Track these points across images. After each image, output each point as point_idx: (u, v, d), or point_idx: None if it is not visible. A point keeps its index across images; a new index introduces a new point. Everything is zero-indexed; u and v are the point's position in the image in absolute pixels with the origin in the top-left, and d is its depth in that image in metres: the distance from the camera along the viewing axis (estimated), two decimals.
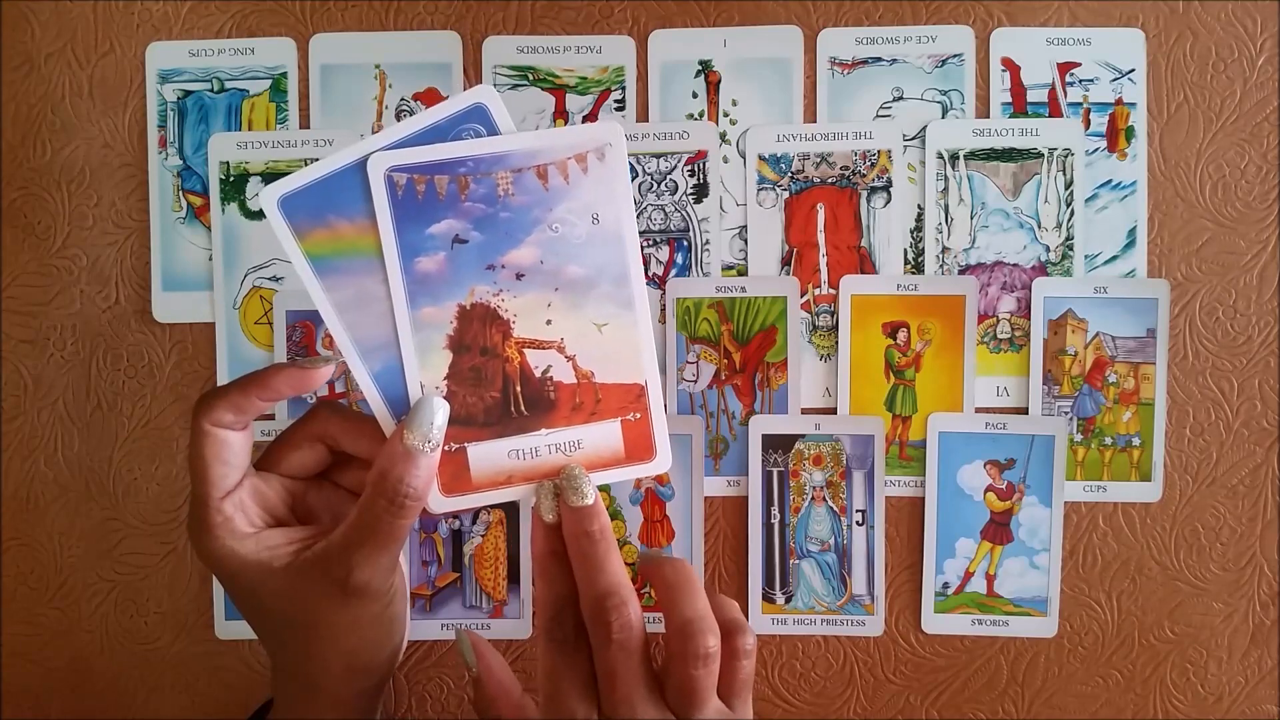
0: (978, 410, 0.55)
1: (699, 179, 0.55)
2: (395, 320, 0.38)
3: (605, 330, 0.39)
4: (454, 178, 0.38)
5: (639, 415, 0.39)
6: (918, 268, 0.55)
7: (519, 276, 0.38)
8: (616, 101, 0.55)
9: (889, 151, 0.55)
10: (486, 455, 0.39)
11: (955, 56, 0.55)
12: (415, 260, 0.38)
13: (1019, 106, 0.55)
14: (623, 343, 0.39)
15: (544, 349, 0.39)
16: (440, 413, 0.38)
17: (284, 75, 0.55)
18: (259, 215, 0.55)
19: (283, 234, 0.38)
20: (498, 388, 0.39)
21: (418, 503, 0.38)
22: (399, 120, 0.54)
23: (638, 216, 0.54)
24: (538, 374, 0.39)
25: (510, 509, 0.55)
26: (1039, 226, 0.55)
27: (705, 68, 0.55)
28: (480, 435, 0.39)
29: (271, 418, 0.55)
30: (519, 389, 0.39)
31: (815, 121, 0.55)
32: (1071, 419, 0.55)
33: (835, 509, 0.55)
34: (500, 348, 0.39)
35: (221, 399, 0.39)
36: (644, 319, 0.39)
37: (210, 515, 0.39)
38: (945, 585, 0.55)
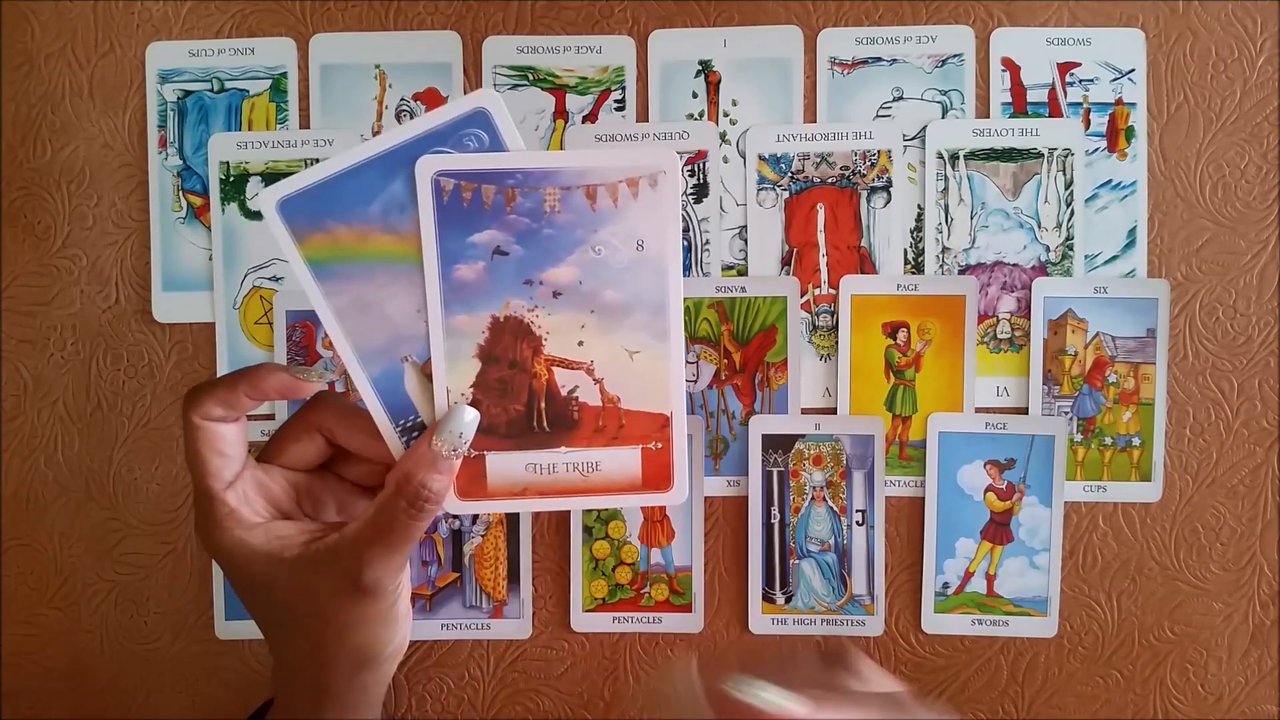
0: (978, 410, 0.55)
1: (699, 179, 0.55)
2: (428, 323, 0.38)
3: (637, 358, 0.39)
4: (501, 188, 0.37)
5: (661, 445, 0.39)
6: (918, 268, 0.55)
7: (556, 295, 0.38)
8: (616, 101, 0.55)
9: (889, 151, 0.55)
10: (504, 465, 0.39)
11: (955, 56, 0.55)
12: (454, 267, 0.38)
13: (1019, 106, 0.55)
14: (653, 372, 0.39)
15: (573, 369, 0.39)
16: (469, 421, 0.38)
17: (284, 75, 0.55)
18: (259, 215, 0.55)
19: (282, 238, 0.37)
20: (522, 401, 0.39)
21: (437, 507, 0.38)
22: (399, 121, 0.55)
23: None
24: (564, 393, 0.39)
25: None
26: (1039, 226, 0.55)
27: (705, 68, 0.55)
28: (500, 445, 0.39)
29: (271, 418, 0.55)
30: (543, 405, 0.39)
31: (815, 121, 0.55)
32: (1071, 419, 0.55)
33: (835, 509, 0.55)
34: (529, 363, 0.39)
35: (209, 394, 0.39)
36: (677, 351, 0.39)
37: (215, 507, 0.39)
38: (945, 585, 0.55)
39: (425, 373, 0.39)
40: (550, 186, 0.37)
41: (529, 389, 0.39)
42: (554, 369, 0.39)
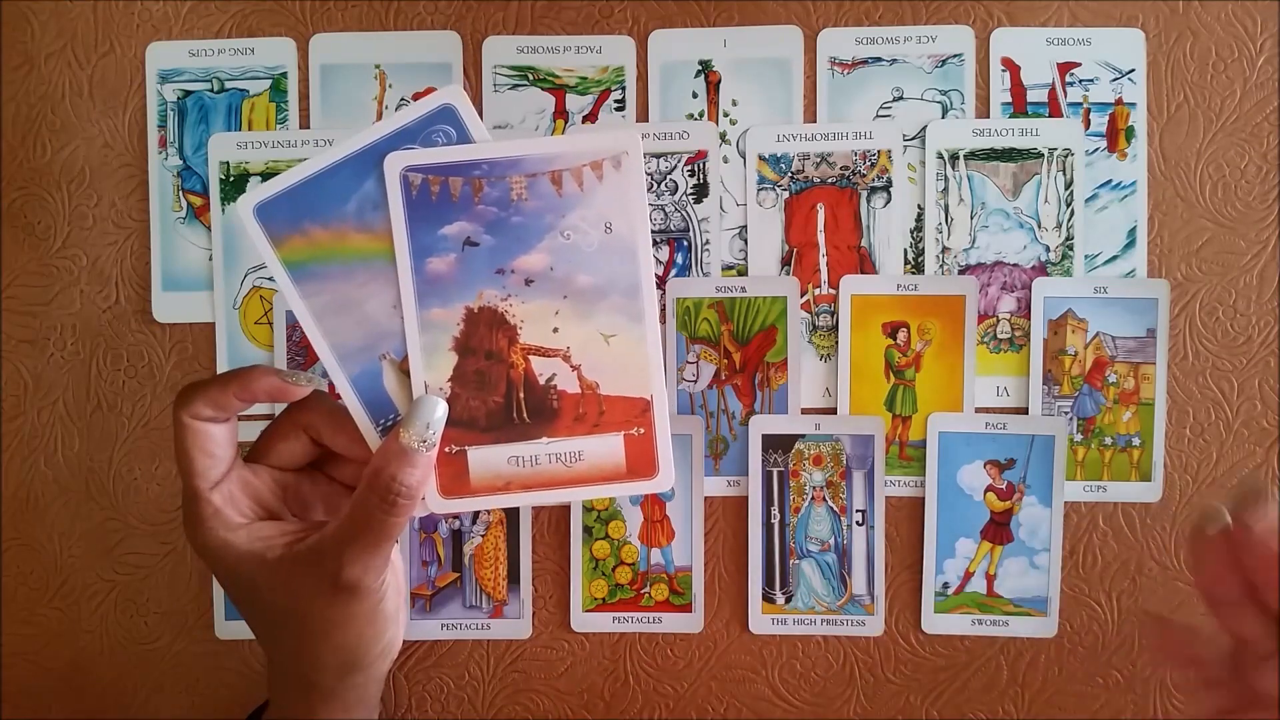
0: (978, 410, 0.55)
1: (699, 179, 0.55)
2: (404, 318, 0.38)
3: (613, 342, 0.39)
4: (468, 180, 0.37)
5: (643, 430, 0.39)
6: (918, 268, 0.55)
7: (528, 282, 0.38)
8: (616, 101, 0.55)
9: (889, 151, 0.55)
10: (486, 460, 0.39)
11: (955, 56, 0.55)
12: (426, 261, 0.38)
13: (1019, 106, 0.55)
14: (630, 356, 0.39)
15: (549, 357, 0.39)
16: (437, 412, 0.38)
17: (284, 75, 0.55)
18: None
19: (259, 242, 0.38)
20: (501, 393, 0.39)
21: (410, 501, 0.38)
22: None
23: None
24: (542, 381, 0.39)
25: (511, 509, 0.55)
26: (1039, 226, 0.55)
27: (705, 68, 0.55)
28: (481, 439, 0.39)
29: (270, 417, 0.55)
30: (522, 395, 0.39)
31: (815, 121, 0.55)
32: (1071, 419, 0.55)
33: (835, 509, 0.55)
34: (505, 353, 0.39)
35: (200, 394, 0.39)
36: (653, 333, 0.39)
37: (201, 507, 0.39)
38: (945, 585, 0.55)
39: (403, 369, 0.39)
40: (516, 175, 0.38)
41: (507, 379, 0.39)
42: (531, 358, 0.39)
